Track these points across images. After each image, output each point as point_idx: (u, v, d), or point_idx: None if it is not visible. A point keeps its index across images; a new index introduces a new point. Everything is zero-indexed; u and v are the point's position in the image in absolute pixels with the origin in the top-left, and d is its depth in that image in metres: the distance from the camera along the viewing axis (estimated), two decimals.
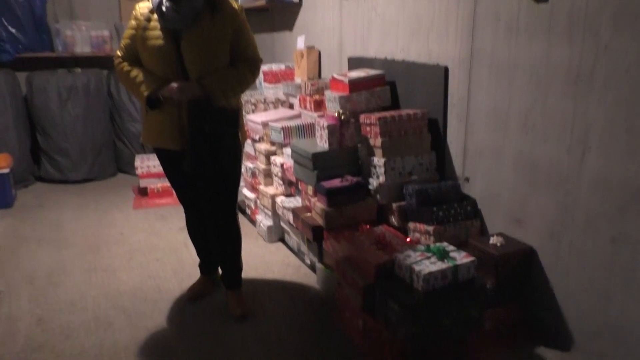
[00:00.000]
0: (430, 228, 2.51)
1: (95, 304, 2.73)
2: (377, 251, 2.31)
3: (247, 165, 3.87)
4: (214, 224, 2.58)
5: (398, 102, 3.12)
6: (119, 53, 2.44)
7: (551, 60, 2.14)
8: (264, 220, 3.56)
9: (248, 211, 3.98)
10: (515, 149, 2.37)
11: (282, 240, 3.53)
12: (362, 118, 2.84)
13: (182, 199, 2.70)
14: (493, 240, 2.38)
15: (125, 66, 2.41)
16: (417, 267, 2.07)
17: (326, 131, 2.79)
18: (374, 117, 2.73)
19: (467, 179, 2.71)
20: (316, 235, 2.77)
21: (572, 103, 2.08)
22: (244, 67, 2.46)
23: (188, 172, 2.43)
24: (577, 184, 2.10)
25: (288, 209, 3.12)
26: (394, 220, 2.74)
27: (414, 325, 2.03)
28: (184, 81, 2.33)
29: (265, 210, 3.54)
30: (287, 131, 3.29)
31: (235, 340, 2.41)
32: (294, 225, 3.06)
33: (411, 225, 2.65)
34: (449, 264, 2.10)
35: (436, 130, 2.83)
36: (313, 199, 2.85)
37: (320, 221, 2.75)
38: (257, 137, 3.73)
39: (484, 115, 2.52)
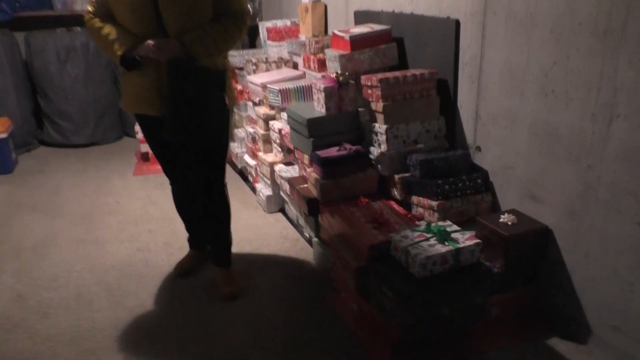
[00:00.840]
0: (435, 203, 2.26)
1: (78, 279, 2.60)
2: (373, 230, 2.09)
3: (248, 130, 3.64)
4: (200, 198, 2.38)
5: (406, 61, 2.82)
6: (89, 8, 2.20)
7: (576, 12, 1.82)
8: (264, 190, 3.36)
9: (250, 178, 3.78)
10: (533, 115, 2.07)
11: (282, 210, 3.33)
12: (363, 79, 2.56)
13: (166, 171, 2.50)
14: (504, 218, 2.12)
15: (97, 22, 2.18)
16: (413, 251, 1.84)
17: (323, 94, 2.53)
18: (375, 78, 2.45)
19: (478, 148, 2.43)
20: (311, 209, 2.55)
21: (599, 62, 1.77)
22: (229, 22, 2.20)
23: (169, 140, 2.22)
24: (601, 156, 1.81)
25: (285, 178, 2.90)
26: (396, 193, 2.50)
27: (408, 314, 1.82)
28: (162, 38, 2.09)
29: (265, 179, 3.33)
30: (285, 94, 3.03)
31: (222, 322, 2.25)
32: (291, 196, 2.85)
33: (414, 199, 2.40)
34: (450, 247, 1.87)
35: (446, 93, 2.54)
36: (309, 169, 2.62)
37: (315, 193, 2.52)
38: (257, 100, 3.48)
39: (499, 75, 2.21)
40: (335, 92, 2.54)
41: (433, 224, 2.00)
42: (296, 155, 2.85)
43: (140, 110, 2.27)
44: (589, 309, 1.98)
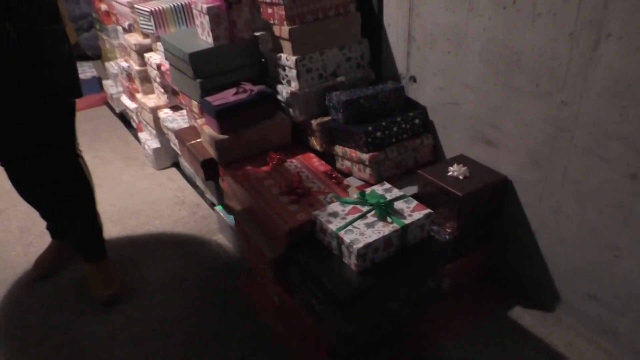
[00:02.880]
0: (366, 156, 1.77)
1: None
2: (290, 206, 1.57)
3: (121, 64, 2.87)
4: (46, 176, 1.71)
5: None
6: None
7: None
8: (150, 141, 2.69)
9: (133, 124, 3.07)
10: (486, 35, 1.58)
11: (176, 165, 2.70)
12: None
13: None
14: (453, 170, 1.68)
15: None
16: (347, 237, 1.36)
17: (207, 18, 1.87)
18: None
19: (412, 79, 1.92)
20: (209, 173, 1.98)
21: None
22: None
23: None
24: (581, 90, 1.37)
25: (172, 130, 2.26)
26: (314, 143, 1.97)
27: (345, 321, 1.37)
28: None
29: (149, 128, 2.66)
30: (159, 16, 2.30)
31: (100, 337, 1.70)
32: (181, 154, 2.23)
33: (339, 149, 1.89)
34: (394, 225, 1.40)
35: (369, 9, 1.97)
36: (200, 120, 2.00)
37: (212, 152, 1.93)
38: (126, 25, 2.70)
39: None
40: (224, 15, 1.88)
41: (368, 192, 1.52)
42: (182, 101, 2.20)
43: None
44: (558, 273, 1.64)
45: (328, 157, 1.95)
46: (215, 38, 1.90)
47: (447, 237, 1.66)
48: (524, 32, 1.46)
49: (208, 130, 1.91)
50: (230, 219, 2.03)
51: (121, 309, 1.81)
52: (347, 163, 1.88)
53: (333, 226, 1.40)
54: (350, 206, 1.48)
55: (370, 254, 1.36)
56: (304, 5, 1.84)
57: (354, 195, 1.56)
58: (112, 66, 3.14)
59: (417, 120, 1.86)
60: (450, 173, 1.68)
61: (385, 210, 1.43)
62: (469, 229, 1.68)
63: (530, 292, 1.74)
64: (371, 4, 1.96)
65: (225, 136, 1.86)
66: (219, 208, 2.11)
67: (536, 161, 1.56)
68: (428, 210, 1.45)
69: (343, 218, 1.43)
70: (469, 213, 1.65)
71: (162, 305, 1.82)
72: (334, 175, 1.73)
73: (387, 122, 1.80)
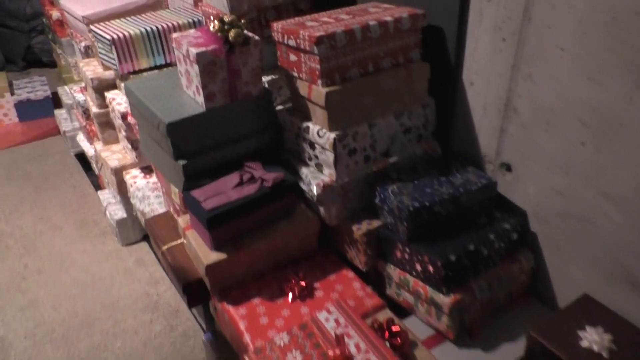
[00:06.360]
0: (444, 300, 1.13)
1: None
2: None
3: (76, 96, 2.15)
4: None
5: None
6: None
7: None
8: (113, 207, 2.00)
9: (95, 169, 2.37)
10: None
11: (148, 238, 2.02)
12: (278, 29, 1.25)
13: None
14: (589, 337, 1.05)
15: None
16: None
17: (196, 68, 1.19)
18: (306, 33, 1.15)
19: (506, 167, 1.29)
20: (194, 299, 1.31)
21: None
22: None
23: None
24: None
25: (141, 212, 1.59)
26: (355, 258, 1.32)
27: None
28: None
29: (112, 188, 1.97)
30: (123, 46, 1.61)
31: None
32: (156, 253, 1.56)
33: (394, 273, 1.25)
34: None
35: (439, 56, 1.32)
36: (183, 219, 1.34)
37: (200, 271, 1.27)
38: (82, 46, 2.00)
39: (574, 21, 1.03)
40: (222, 63, 1.21)
41: None
42: (157, 177, 1.53)
43: None
44: None
45: (377, 286, 1.31)
46: (208, 97, 1.23)
47: None
48: None
49: (195, 242, 1.24)
50: (223, 352, 1.37)
51: None
52: (407, 296, 1.24)
53: None
54: None
55: None
56: (347, 54, 1.18)
57: None
58: (66, 92, 2.42)
59: (514, 235, 1.23)
60: (583, 342, 1.05)
61: None
62: None
63: None
64: (444, 49, 1.31)
65: (221, 255, 1.20)
66: (206, 338, 1.44)
67: None
68: None
69: None
70: None
71: None
72: (393, 331, 1.08)
73: (476, 243, 1.16)
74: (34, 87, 3.00)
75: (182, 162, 1.24)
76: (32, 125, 2.88)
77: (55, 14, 2.35)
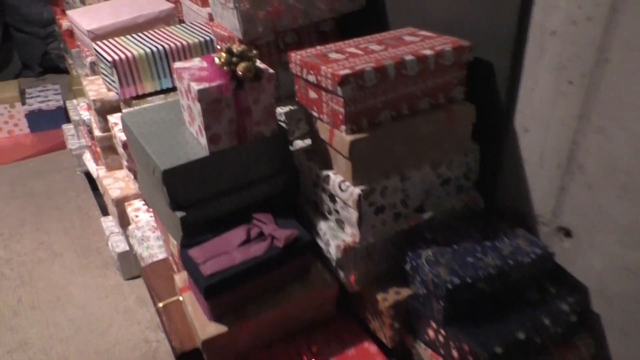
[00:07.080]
0: None
1: None
2: None
3: (81, 114, 2.00)
4: None
5: (384, 9, 1.33)
6: None
7: None
8: (115, 237, 1.84)
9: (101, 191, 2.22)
10: None
11: None
12: (296, 61, 1.06)
13: None
14: None
15: None
16: None
17: (198, 106, 1.01)
18: (329, 70, 0.96)
19: (563, 231, 1.07)
20: None
21: None
22: None
23: None
24: None
25: (140, 256, 1.42)
26: (379, 332, 1.12)
27: None
28: None
29: (115, 221, 1.81)
30: (125, 69, 1.45)
31: None
32: (156, 310, 1.39)
33: (426, 354, 1.05)
34: None
35: (486, 96, 1.11)
36: (180, 277, 1.16)
37: (197, 342, 1.09)
38: (87, 61, 1.85)
39: None
40: (230, 101, 1.02)
41: None
42: (156, 223, 1.36)
43: None
44: None
45: (400, 350, 1.11)
46: (212, 139, 1.04)
47: None
48: None
49: (192, 307, 1.06)
50: None
51: None
52: None
53: None
54: None
55: None
56: (378, 95, 0.99)
57: None
58: (74, 107, 2.28)
59: (573, 317, 1.02)
60: None
61: None
62: None
63: None
64: (494, 87, 1.10)
65: (222, 328, 1.02)
66: None
67: None
68: None
69: None
70: None
71: None
72: None
73: (527, 330, 0.95)
74: (46, 96, 2.87)
75: (180, 214, 1.06)
76: (42, 136, 2.76)
77: (65, 24, 2.21)
